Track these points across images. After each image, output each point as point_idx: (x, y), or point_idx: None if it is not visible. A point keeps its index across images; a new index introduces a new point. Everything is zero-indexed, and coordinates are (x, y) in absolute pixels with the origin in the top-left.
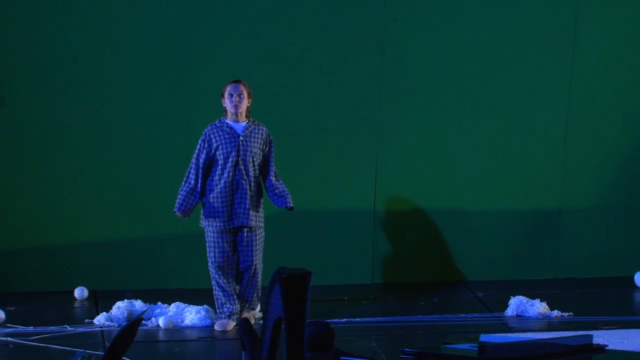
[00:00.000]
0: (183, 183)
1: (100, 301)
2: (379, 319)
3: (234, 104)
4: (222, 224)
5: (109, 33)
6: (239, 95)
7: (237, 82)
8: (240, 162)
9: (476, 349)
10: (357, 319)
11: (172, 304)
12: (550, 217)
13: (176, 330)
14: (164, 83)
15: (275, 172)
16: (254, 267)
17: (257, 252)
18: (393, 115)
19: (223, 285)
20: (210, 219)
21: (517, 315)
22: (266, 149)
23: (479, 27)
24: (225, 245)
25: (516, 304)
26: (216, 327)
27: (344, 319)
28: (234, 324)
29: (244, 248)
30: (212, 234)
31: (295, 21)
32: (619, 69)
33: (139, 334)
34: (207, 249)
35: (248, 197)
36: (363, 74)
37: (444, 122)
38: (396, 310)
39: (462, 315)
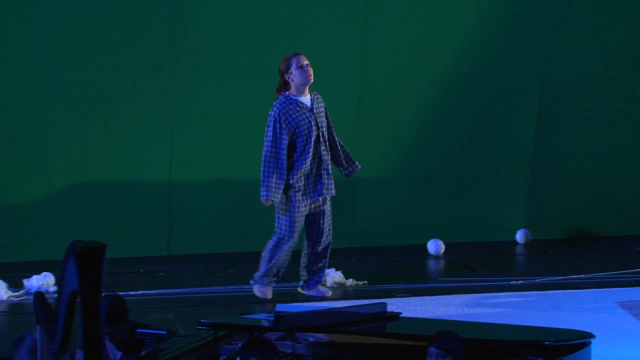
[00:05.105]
0: (267, 169)
1: None
2: (175, 290)
3: (308, 74)
4: (307, 197)
5: None
6: (308, 65)
7: (299, 54)
8: (320, 135)
9: (272, 318)
10: (153, 291)
11: None
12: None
13: None
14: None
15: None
16: (329, 236)
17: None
18: (188, 85)
19: (287, 255)
20: (295, 193)
21: None
22: (327, 115)
23: None
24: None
25: None
26: (257, 293)
27: (140, 292)
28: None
29: (322, 218)
30: (296, 206)
31: None
32: (411, 38)
33: None
34: (284, 222)
35: (330, 167)
36: (157, 44)
37: (237, 93)
38: (192, 282)
39: None
